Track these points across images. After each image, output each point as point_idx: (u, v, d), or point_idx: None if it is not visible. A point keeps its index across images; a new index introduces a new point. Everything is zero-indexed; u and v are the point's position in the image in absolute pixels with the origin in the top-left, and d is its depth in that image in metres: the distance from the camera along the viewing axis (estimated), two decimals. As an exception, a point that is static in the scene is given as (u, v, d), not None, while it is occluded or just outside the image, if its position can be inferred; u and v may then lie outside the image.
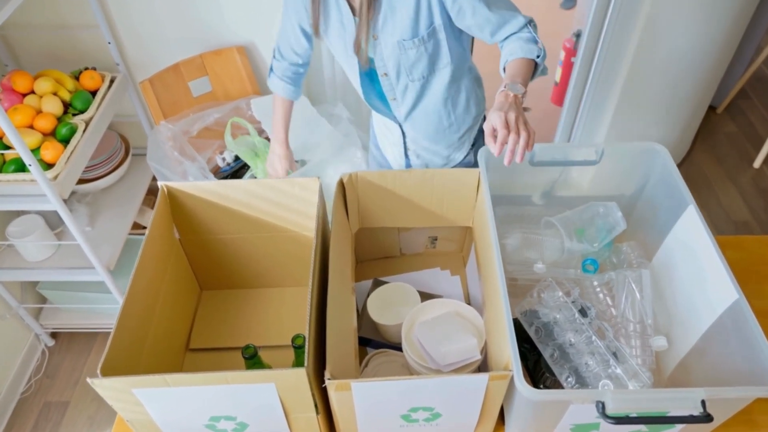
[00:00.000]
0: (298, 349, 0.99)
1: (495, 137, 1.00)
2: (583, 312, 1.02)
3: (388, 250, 1.34)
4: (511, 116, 0.99)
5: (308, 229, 1.15)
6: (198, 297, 1.31)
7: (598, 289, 1.13)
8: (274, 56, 1.46)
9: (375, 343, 1.18)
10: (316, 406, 0.90)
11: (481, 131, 1.47)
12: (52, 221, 1.89)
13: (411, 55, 1.25)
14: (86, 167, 1.89)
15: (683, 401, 0.82)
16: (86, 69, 1.79)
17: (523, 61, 1.14)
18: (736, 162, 2.78)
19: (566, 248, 1.13)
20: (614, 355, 0.96)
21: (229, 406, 0.88)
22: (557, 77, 3.03)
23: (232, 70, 1.83)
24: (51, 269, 1.83)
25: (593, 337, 0.96)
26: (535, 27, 1.20)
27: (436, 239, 1.32)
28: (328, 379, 0.84)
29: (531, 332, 1.04)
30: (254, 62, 1.90)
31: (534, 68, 1.15)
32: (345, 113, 1.76)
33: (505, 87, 1.06)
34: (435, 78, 1.31)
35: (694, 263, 1.02)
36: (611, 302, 1.12)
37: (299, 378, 0.82)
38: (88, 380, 0.80)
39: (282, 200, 1.11)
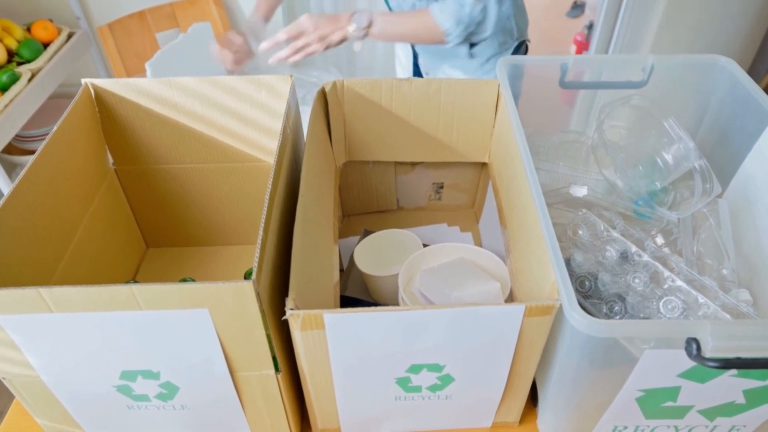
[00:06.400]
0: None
1: None
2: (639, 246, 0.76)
3: (383, 200, 1.08)
4: None
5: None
6: (142, 255, 1.04)
7: (655, 236, 0.86)
8: None
9: (364, 304, 0.90)
10: (274, 358, 0.63)
11: None
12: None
13: None
14: (36, 136, 1.65)
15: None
16: (40, 20, 1.57)
17: None
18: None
19: (619, 187, 0.87)
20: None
21: (145, 354, 0.60)
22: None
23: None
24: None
25: (666, 273, 0.69)
26: None
27: (441, 187, 1.06)
28: (291, 309, 0.57)
29: (572, 278, 0.77)
30: (232, 15, 1.67)
31: None
32: (338, 76, 1.54)
33: None
34: None
35: (789, 187, 0.77)
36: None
37: (245, 299, 0.55)
38: (-76, 295, 0.53)
39: (246, 111, 0.86)
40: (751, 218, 0.84)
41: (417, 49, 1.26)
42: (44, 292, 0.53)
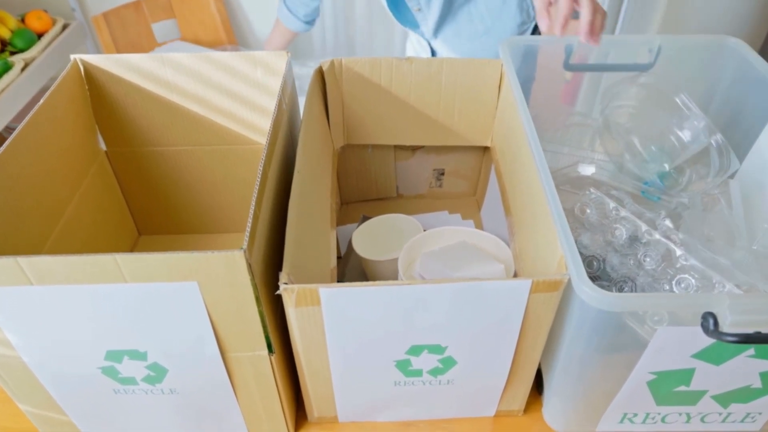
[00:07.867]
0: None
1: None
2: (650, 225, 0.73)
3: (382, 188, 1.05)
4: None
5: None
6: (134, 243, 1.01)
7: (664, 219, 0.83)
8: None
9: (362, 291, 0.88)
10: (267, 338, 0.60)
11: None
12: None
13: None
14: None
15: None
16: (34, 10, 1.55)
17: None
18: None
19: (627, 169, 0.84)
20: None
21: (132, 332, 0.57)
22: (568, 74, 2.83)
23: (205, 16, 1.58)
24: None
25: (678, 252, 0.67)
26: None
27: (443, 173, 1.03)
28: (284, 284, 0.54)
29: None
30: (231, 8, 1.65)
31: None
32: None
33: None
34: None
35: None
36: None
37: (235, 270, 0.52)
38: None
39: (241, 90, 0.83)
40: (764, 201, 0.81)
41: (434, 45, 1.25)
42: (24, 262, 0.50)
